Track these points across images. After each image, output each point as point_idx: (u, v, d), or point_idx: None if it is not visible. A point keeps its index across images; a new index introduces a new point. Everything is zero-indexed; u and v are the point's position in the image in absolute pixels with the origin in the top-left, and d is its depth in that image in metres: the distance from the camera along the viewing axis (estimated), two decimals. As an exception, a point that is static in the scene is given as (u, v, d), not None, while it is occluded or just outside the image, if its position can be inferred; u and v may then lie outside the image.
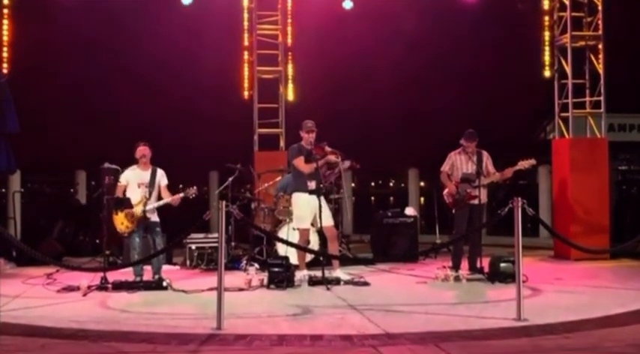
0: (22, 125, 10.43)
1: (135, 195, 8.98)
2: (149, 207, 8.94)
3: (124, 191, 9.03)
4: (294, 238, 9.39)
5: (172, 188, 9.23)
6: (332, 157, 9.27)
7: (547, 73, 12.39)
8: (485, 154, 9.75)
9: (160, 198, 9.13)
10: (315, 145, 9.28)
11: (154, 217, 9.08)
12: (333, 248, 9.34)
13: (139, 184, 9.03)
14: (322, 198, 9.25)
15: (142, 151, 9.09)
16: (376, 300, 7.86)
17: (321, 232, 9.70)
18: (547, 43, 12.31)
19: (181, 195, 8.95)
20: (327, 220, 9.25)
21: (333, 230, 9.39)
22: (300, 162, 9.32)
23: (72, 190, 15.46)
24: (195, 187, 9.02)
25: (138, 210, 8.89)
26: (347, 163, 9.40)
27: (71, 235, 12.53)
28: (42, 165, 17.45)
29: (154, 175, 9.09)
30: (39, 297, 8.12)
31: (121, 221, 8.90)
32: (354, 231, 15.30)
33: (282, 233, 10.17)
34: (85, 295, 8.18)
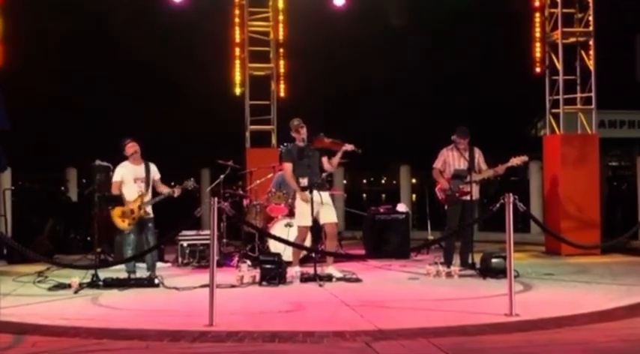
0: (12, 122, 10.36)
1: (131, 191, 8.98)
2: (147, 201, 8.93)
3: (120, 187, 9.03)
4: (286, 234, 9.37)
5: (165, 183, 9.22)
6: (347, 148, 9.14)
7: (538, 70, 12.41)
8: (477, 151, 9.76)
9: (154, 192, 9.12)
10: (314, 140, 9.21)
11: (150, 213, 9.07)
12: (331, 245, 9.33)
13: (135, 179, 9.04)
14: (326, 194, 9.24)
15: (133, 147, 9.09)
16: (368, 296, 7.86)
17: (316, 229, 9.67)
18: (538, 40, 12.33)
19: (180, 187, 8.98)
20: (328, 217, 9.23)
21: (333, 228, 9.33)
22: (287, 169, 9.32)
23: (63, 187, 15.41)
24: (193, 179, 9.04)
25: (136, 206, 8.89)
26: (349, 146, 9.24)
27: (62, 233, 12.49)
28: (33, 162, 17.37)
29: (147, 169, 9.09)
30: (30, 295, 8.09)
31: (121, 218, 8.90)
32: (346, 228, 15.31)
33: (275, 230, 10.16)
34: (76, 292, 8.16)
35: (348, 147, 9.13)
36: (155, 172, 9.17)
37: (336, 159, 9.29)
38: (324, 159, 9.29)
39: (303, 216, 9.18)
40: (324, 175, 9.42)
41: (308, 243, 9.86)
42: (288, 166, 9.31)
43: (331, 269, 9.09)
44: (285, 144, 9.63)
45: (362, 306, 7.22)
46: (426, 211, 12.74)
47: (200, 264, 10.46)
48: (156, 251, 9.32)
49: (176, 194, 9.01)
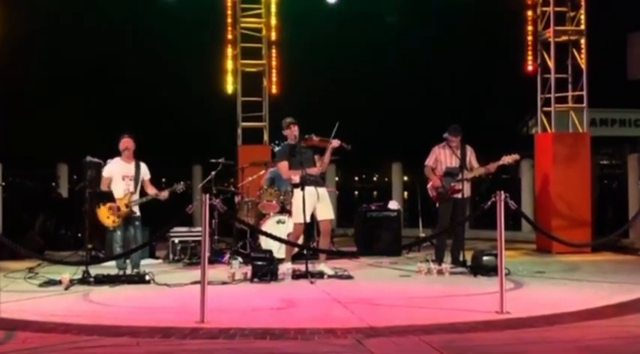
0: (3, 118, 10.32)
1: (118, 188, 8.92)
2: (134, 200, 8.88)
3: (109, 184, 8.98)
4: (277, 231, 9.37)
5: (155, 183, 9.18)
6: (333, 145, 9.13)
7: (530, 68, 12.45)
8: (469, 149, 9.78)
9: (142, 191, 9.07)
10: (304, 139, 9.22)
11: (136, 211, 9.04)
12: (324, 243, 9.32)
13: (123, 177, 8.97)
14: (323, 190, 9.21)
15: (126, 143, 9.03)
16: (360, 293, 7.87)
17: (309, 225, 9.65)
18: (530, 38, 12.36)
19: (169, 190, 8.93)
20: (323, 214, 9.22)
21: (327, 225, 9.32)
22: (283, 167, 9.31)
23: (53, 183, 15.35)
24: (182, 183, 8.99)
25: (123, 204, 8.84)
26: (336, 142, 9.21)
27: (53, 229, 12.44)
28: (23, 158, 17.29)
29: (137, 168, 9.03)
30: (20, 291, 8.05)
31: (106, 215, 8.84)
32: (337, 225, 15.31)
33: (267, 227, 10.15)
34: (67, 289, 8.13)
35: (335, 143, 9.14)
36: (145, 172, 9.11)
37: (326, 157, 9.29)
38: (316, 157, 9.30)
39: (299, 213, 9.16)
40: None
41: (300, 240, 9.86)
42: (284, 164, 9.29)
43: (323, 266, 9.09)
44: (277, 142, 9.63)
45: (353, 303, 7.23)
46: (418, 209, 12.76)
47: (191, 261, 10.44)
48: (141, 249, 9.26)
49: (163, 197, 8.95)
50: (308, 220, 9.16)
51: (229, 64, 13.10)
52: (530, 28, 12.35)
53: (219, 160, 10.96)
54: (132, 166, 9.03)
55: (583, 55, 12.09)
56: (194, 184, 15.13)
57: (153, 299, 7.68)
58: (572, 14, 12.15)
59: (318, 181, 9.29)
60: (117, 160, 9.08)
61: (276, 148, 9.72)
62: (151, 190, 9.04)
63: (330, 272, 9.01)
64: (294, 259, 9.43)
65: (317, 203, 9.12)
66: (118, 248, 8.87)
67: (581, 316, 6.60)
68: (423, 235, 12.02)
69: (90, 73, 23.14)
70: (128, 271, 8.88)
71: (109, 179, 8.98)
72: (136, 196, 8.97)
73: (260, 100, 13.28)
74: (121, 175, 8.98)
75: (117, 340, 5.78)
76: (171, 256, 10.74)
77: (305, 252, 9.40)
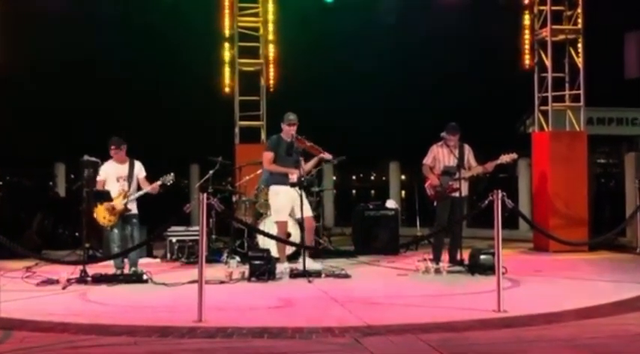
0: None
1: (113, 189, 8.92)
2: (130, 198, 8.88)
3: (104, 185, 8.98)
4: (275, 230, 9.39)
5: (150, 181, 9.18)
6: (324, 156, 9.25)
7: (527, 67, 12.46)
8: (467, 148, 9.78)
9: (139, 190, 9.07)
10: (296, 139, 9.24)
11: (133, 209, 9.04)
12: (308, 239, 9.35)
13: (118, 178, 8.98)
14: (301, 192, 9.25)
15: (114, 150, 9.00)
16: (357, 292, 7.88)
17: (301, 224, 9.69)
18: (527, 37, 12.37)
19: (159, 182, 8.93)
20: (307, 212, 9.26)
21: (311, 222, 9.38)
22: (267, 158, 9.32)
23: (51, 182, 15.34)
24: (172, 174, 8.97)
25: (118, 203, 8.84)
26: (327, 155, 9.32)
27: (50, 228, 12.43)
28: (21, 157, 17.27)
29: (131, 167, 9.04)
30: (18, 290, 8.04)
31: (102, 215, 8.84)
32: (335, 223, 15.33)
33: (264, 226, 10.15)
34: (64, 288, 8.13)
35: (326, 155, 9.20)
36: (140, 171, 9.11)
37: (310, 164, 9.40)
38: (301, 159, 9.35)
39: (280, 211, 9.31)
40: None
41: (297, 239, 9.87)
42: (269, 156, 9.32)
43: (310, 262, 8.99)
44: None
45: (351, 302, 7.24)
46: (415, 208, 12.76)
47: (189, 260, 10.44)
48: (139, 247, 9.26)
49: (154, 190, 8.93)
50: (286, 219, 9.28)
51: (227, 63, 13.09)
52: (527, 26, 12.35)
53: (217, 159, 10.96)
54: (125, 166, 9.05)
55: (580, 54, 12.11)
56: (192, 183, 15.15)
57: (150, 298, 7.68)
58: (569, 13, 12.17)
59: (312, 182, 9.38)
60: (110, 161, 9.09)
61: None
62: (148, 187, 9.02)
63: (318, 267, 8.99)
64: (291, 259, 9.44)
65: (296, 203, 9.13)
66: (116, 247, 8.87)
67: (578, 314, 6.61)
68: (420, 233, 12.03)
69: (88, 71, 23.10)
70: (126, 270, 8.89)
71: (103, 181, 9.00)
72: (131, 195, 8.96)
73: (257, 99, 13.27)
74: (115, 177, 8.99)
75: (114, 340, 5.78)
76: (168, 255, 10.74)
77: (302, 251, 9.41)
